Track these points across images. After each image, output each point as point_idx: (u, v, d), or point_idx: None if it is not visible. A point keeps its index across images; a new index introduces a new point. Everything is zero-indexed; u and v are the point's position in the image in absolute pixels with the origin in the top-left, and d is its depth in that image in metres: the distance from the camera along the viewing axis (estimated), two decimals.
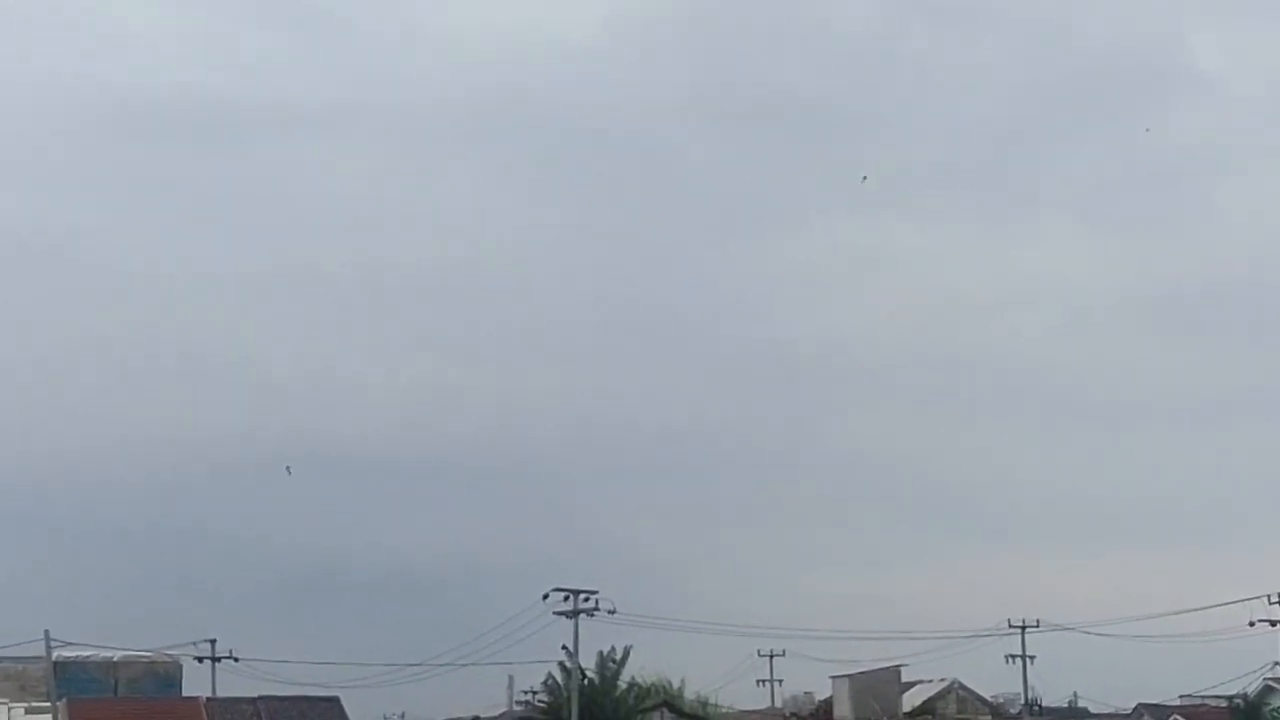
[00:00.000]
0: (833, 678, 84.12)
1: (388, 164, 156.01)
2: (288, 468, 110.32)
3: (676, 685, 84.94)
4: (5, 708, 72.25)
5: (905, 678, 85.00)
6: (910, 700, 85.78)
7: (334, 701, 77.31)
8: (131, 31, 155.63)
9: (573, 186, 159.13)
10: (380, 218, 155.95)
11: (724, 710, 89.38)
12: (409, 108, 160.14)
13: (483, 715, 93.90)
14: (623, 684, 78.79)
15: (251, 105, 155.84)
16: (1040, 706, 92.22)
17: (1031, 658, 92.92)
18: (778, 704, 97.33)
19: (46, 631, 69.71)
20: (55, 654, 71.11)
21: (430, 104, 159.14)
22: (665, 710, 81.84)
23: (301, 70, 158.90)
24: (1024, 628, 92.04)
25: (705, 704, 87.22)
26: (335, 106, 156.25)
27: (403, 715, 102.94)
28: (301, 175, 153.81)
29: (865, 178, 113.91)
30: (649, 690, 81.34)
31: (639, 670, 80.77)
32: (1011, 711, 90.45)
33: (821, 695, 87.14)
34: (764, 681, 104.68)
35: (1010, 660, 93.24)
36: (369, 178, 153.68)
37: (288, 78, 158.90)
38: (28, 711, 71.37)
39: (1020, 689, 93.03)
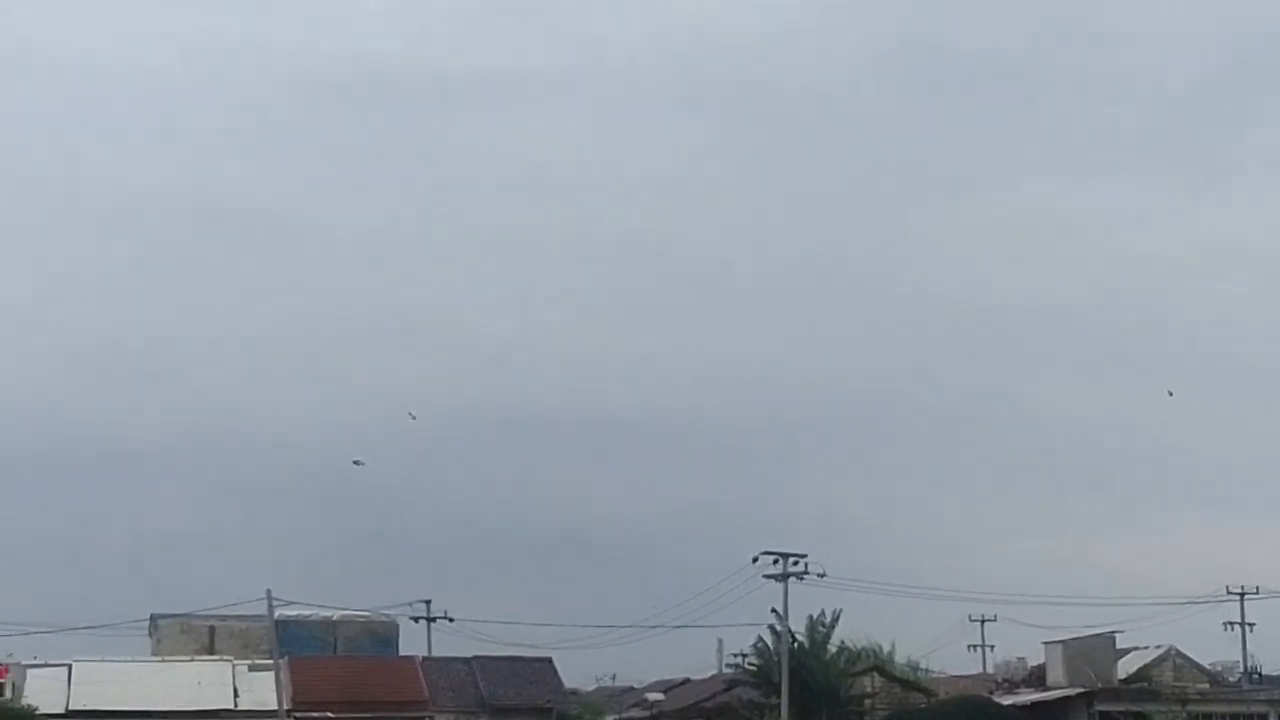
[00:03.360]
0: (1045, 643, 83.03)
1: (580, 128, 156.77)
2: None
3: (887, 649, 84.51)
4: (230, 664, 74.11)
5: (1120, 644, 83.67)
6: (1125, 667, 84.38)
7: (547, 662, 77.90)
8: (346, 1, 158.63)
9: (765, 149, 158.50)
10: (575, 182, 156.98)
11: (935, 675, 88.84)
12: (600, 73, 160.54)
13: (693, 678, 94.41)
14: (833, 648, 78.62)
15: (457, 73, 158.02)
16: (1260, 675, 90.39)
17: (1251, 625, 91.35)
18: (989, 669, 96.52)
19: (269, 591, 71.09)
20: (277, 613, 72.48)
21: (621, 68, 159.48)
22: (876, 674, 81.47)
23: (500, 39, 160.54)
24: (1243, 594, 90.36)
25: (916, 668, 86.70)
26: (529, 74, 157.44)
27: (614, 677, 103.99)
28: (505, 141, 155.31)
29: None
30: (859, 654, 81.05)
31: (849, 634, 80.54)
32: (1230, 679, 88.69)
33: (1034, 661, 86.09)
34: (975, 647, 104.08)
35: (1229, 627, 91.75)
36: (564, 143, 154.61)
37: (490, 46, 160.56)
38: (251, 669, 73.03)
39: (1239, 657, 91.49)
